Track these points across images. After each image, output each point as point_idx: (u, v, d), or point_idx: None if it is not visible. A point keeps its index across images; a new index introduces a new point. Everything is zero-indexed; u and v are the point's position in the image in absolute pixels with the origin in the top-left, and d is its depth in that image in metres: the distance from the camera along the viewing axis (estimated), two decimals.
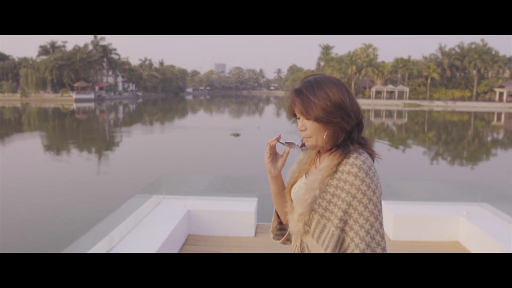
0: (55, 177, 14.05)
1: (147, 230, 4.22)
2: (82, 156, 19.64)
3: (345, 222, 1.41)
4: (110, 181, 13.26)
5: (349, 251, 1.41)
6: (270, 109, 69.52)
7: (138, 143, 24.71)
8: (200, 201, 5.28)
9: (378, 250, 1.38)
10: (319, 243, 1.46)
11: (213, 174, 12.10)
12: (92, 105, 69.25)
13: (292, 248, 1.61)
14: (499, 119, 50.85)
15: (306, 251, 1.52)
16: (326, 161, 1.46)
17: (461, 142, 27.22)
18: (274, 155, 1.60)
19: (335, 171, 1.43)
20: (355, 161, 1.40)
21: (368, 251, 1.37)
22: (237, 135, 25.26)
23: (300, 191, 1.50)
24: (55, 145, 23.60)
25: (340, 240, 1.42)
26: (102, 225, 3.65)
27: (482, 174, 15.43)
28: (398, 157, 20.26)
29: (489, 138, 30.67)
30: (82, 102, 73.96)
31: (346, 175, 1.41)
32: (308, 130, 1.47)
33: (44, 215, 9.04)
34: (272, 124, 33.38)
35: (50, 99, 78.06)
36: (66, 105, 67.46)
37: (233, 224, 4.95)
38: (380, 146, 23.21)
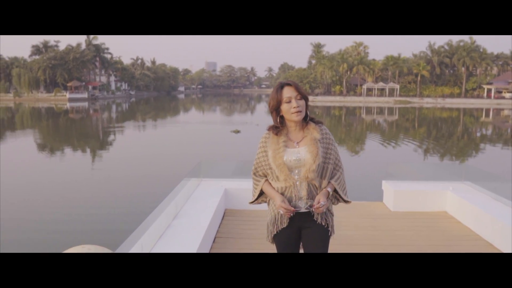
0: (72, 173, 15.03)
1: (198, 204, 5.24)
2: (83, 154, 20.52)
3: (334, 161, 2.63)
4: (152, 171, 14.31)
5: (336, 175, 2.60)
6: (262, 107, 70.45)
7: (138, 140, 25.65)
8: (233, 182, 6.31)
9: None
10: (326, 180, 2.55)
11: (237, 160, 13.14)
12: (85, 104, 69.45)
13: (293, 194, 2.51)
14: (487, 115, 52.08)
15: (312, 188, 2.51)
16: (313, 130, 2.53)
17: (451, 137, 28.31)
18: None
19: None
20: (324, 126, 2.63)
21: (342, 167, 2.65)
22: (237, 132, 26.21)
23: (312, 151, 2.47)
24: (49, 145, 24.30)
25: (330, 171, 2.58)
26: (168, 198, 4.67)
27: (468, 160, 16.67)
28: (389, 151, 21.39)
29: (478, 134, 31.88)
30: (75, 102, 74.11)
31: (326, 134, 2.57)
32: (301, 105, 2.47)
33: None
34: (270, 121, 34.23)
35: (43, 99, 78.08)
36: (60, 104, 67.70)
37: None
38: (372, 140, 24.33)
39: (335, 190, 2.62)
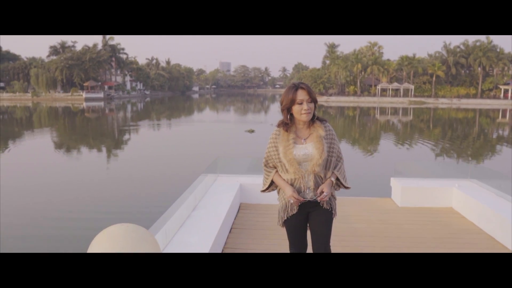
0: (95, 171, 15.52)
1: (215, 198, 5.58)
2: (101, 153, 21.05)
3: (337, 154, 2.98)
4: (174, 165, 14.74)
5: (338, 166, 2.95)
6: (275, 107, 70.66)
7: (153, 139, 26.16)
8: (248, 178, 6.64)
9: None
10: (330, 170, 2.91)
11: (252, 157, 13.50)
12: (101, 104, 70.55)
13: (301, 184, 2.87)
14: (504, 116, 51.45)
15: (318, 179, 2.86)
16: (318, 128, 2.85)
17: (466, 138, 28.12)
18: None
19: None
20: (328, 123, 2.97)
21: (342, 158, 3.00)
22: (251, 131, 26.52)
23: (318, 147, 2.81)
24: (66, 143, 24.96)
25: (333, 163, 2.93)
26: (187, 192, 5.01)
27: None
28: (402, 151, 21.49)
29: (495, 135, 31.59)
30: (91, 101, 75.24)
31: (329, 131, 2.91)
32: (311, 108, 2.78)
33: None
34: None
35: (60, 98, 79.40)
36: (76, 104, 68.90)
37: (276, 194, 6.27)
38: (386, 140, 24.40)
39: (337, 178, 2.99)
